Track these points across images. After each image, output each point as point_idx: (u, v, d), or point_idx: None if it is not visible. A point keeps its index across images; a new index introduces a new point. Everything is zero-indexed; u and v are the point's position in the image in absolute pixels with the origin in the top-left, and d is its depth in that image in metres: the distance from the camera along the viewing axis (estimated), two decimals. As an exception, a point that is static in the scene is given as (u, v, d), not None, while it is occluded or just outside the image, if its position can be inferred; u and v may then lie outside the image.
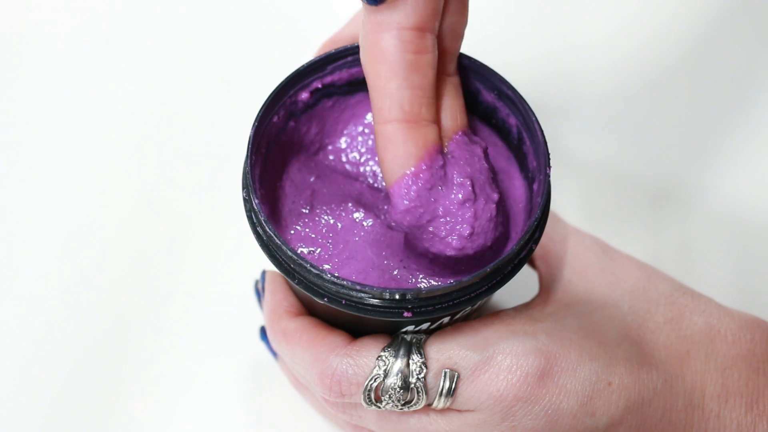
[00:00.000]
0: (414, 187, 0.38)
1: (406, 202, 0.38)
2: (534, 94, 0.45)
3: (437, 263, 0.41)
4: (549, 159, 0.39)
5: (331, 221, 0.42)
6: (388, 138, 0.37)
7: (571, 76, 0.65)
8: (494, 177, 0.41)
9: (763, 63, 0.66)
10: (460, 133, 0.40)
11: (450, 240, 0.39)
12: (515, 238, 0.42)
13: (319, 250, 0.41)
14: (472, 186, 0.38)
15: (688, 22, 0.68)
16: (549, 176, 0.39)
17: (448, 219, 0.38)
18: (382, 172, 0.38)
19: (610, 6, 0.68)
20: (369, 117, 0.44)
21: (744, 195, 0.60)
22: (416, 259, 0.41)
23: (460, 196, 0.38)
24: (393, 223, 0.39)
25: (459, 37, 0.40)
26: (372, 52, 0.37)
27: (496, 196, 0.39)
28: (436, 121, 0.39)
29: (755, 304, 0.50)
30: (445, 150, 0.39)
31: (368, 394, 0.40)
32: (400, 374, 0.39)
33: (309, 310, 0.44)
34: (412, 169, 0.37)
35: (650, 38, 0.67)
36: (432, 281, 0.41)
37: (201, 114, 0.63)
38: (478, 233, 0.39)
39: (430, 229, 0.39)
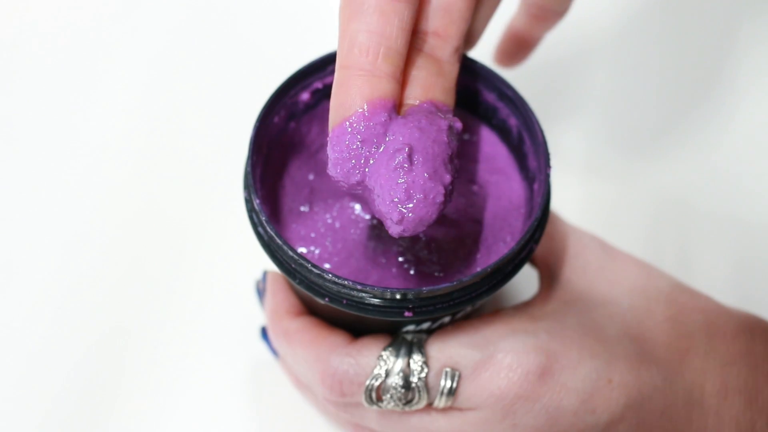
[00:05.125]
0: (346, 137, 0.36)
1: (335, 154, 0.36)
2: (534, 94, 0.45)
3: (437, 260, 0.41)
4: (549, 159, 0.39)
5: (329, 220, 0.42)
6: (338, 82, 0.36)
7: (572, 76, 0.65)
8: (453, 158, 0.37)
9: (764, 64, 0.66)
10: (428, 102, 0.37)
11: (386, 210, 0.35)
12: (515, 238, 0.42)
13: (318, 249, 0.41)
14: (410, 153, 0.35)
15: (689, 23, 0.68)
16: (549, 176, 0.39)
17: (380, 184, 0.35)
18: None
19: (611, 6, 0.68)
20: None
21: (744, 195, 0.60)
22: (415, 257, 0.41)
23: (393, 162, 0.35)
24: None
25: (454, 20, 0.38)
26: None
27: (448, 178, 0.36)
28: (398, 80, 0.36)
29: (755, 303, 0.50)
30: (403, 112, 0.37)
31: (369, 394, 0.40)
32: (401, 374, 0.39)
33: (310, 309, 0.44)
34: (351, 117, 0.35)
35: (651, 38, 0.67)
36: (431, 279, 0.41)
37: (202, 115, 0.64)
38: (410, 212, 0.35)
39: (369, 189, 0.36)
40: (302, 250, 0.41)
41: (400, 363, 0.40)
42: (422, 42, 0.38)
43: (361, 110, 0.35)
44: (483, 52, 0.51)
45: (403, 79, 0.37)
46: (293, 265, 0.38)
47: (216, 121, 0.63)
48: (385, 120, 0.35)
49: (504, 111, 0.42)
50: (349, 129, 0.35)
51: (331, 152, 0.36)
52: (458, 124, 0.37)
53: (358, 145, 0.35)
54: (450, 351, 0.40)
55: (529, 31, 0.51)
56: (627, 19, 0.68)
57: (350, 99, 0.35)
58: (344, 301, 0.37)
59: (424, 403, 0.40)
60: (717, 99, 0.64)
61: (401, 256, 0.41)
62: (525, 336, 0.40)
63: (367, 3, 0.35)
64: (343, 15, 0.36)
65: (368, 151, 0.36)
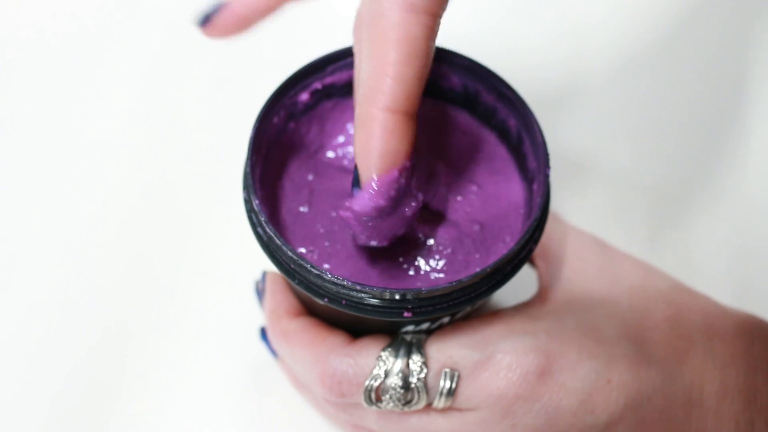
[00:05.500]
0: (396, 186, 0.36)
1: (382, 201, 0.36)
2: (534, 94, 0.45)
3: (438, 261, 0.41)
4: (548, 159, 0.39)
5: (329, 220, 0.42)
6: (387, 127, 0.35)
7: (571, 76, 0.65)
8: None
9: (764, 63, 0.66)
10: None
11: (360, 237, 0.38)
12: (514, 238, 0.42)
13: (317, 250, 0.41)
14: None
15: (689, 22, 0.68)
16: (548, 176, 0.39)
17: (392, 223, 0.38)
18: (362, 157, 0.36)
19: (611, 5, 0.68)
20: None
21: (744, 195, 0.60)
22: (415, 257, 0.41)
23: (412, 205, 0.38)
24: (349, 212, 0.37)
25: None
26: (393, 31, 0.35)
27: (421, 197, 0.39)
28: None
29: (754, 303, 0.50)
30: None
31: (369, 394, 0.40)
32: (400, 374, 0.39)
33: (309, 310, 0.44)
34: (400, 165, 0.36)
35: (651, 38, 0.67)
36: (431, 279, 0.41)
37: (201, 115, 0.64)
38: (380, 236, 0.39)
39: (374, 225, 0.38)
40: (301, 250, 0.41)
41: (399, 363, 0.40)
42: None
43: (408, 159, 0.36)
44: (483, 53, 0.51)
45: None
46: (292, 266, 0.38)
47: (215, 122, 0.63)
48: (410, 167, 0.37)
49: (503, 111, 0.42)
50: (398, 179, 0.36)
51: (378, 198, 0.36)
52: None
53: (400, 194, 0.36)
54: (449, 351, 0.40)
55: None
56: (627, 18, 0.68)
57: (401, 148, 0.35)
58: (343, 302, 0.37)
59: (423, 403, 0.40)
60: (717, 99, 0.64)
61: (401, 257, 0.41)
62: (524, 336, 0.40)
63: (426, 48, 0.35)
64: (392, 55, 0.35)
65: (400, 198, 0.37)
